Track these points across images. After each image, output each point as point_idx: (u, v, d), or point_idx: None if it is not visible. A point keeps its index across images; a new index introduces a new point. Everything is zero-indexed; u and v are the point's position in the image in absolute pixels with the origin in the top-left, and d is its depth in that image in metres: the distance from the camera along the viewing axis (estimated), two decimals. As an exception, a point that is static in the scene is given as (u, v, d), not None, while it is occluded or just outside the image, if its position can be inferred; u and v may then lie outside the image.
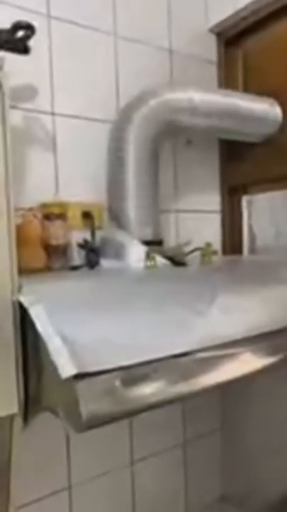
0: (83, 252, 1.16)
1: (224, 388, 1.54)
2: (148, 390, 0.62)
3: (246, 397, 1.48)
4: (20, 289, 0.74)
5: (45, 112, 1.17)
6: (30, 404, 0.76)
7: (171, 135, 1.29)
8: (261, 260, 1.38)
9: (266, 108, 1.34)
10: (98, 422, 0.58)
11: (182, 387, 0.66)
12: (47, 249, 1.09)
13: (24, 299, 0.69)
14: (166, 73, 1.41)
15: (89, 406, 0.58)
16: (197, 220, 1.50)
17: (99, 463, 1.27)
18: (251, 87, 1.45)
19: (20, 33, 0.94)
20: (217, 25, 1.49)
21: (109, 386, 0.60)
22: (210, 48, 1.53)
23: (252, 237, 1.50)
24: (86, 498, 1.25)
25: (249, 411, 1.48)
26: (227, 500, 1.58)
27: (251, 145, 1.42)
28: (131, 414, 0.61)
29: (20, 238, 1.06)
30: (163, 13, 1.40)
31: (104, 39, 1.27)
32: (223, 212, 1.56)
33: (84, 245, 1.16)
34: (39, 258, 1.07)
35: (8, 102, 0.75)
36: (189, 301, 0.78)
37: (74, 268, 1.11)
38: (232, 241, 1.55)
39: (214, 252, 1.51)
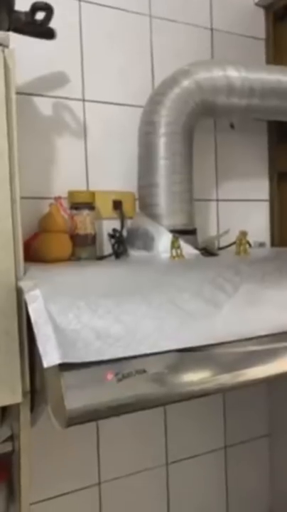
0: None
1: (273, 391, 1.43)
2: (143, 385, 0.56)
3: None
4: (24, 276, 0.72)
5: (75, 99, 1.14)
6: (37, 395, 0.73)
7: (208, 117, 1.20)
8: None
9: None
10: (83, 417, 0.53)
11: (181, 384, 0.59)
12: (75, 239, 1.07)
13: (23, 285, 0.66)
14: (207, 54, 1.33)
15: (74, 399, 0.53)
16: (242, 210, 1.39)
17: (130, 462, 1.23)
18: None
19: (41, 15, 0.91)
20: (265, -3, 1.38)
21: (98, 379, 0.55)
22: (257, 24, 1.41)
23: (304, 228, 1.37)
24: (116, 496, 1.21)
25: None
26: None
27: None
28: (123, 410, 0.55)
29: (47, 228, 1.06)
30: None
31: (137, 20, 1.22)
32: (272, 200, 1.44)
33: (113, 235, 1.12)
34: (65, 248, 1.05)
35: (14, 82, 0.73)
36: (205, 292, 0.70)
37: (101, 258, 1.07)
38: (282, 232, 1.42)
39: (262, 244, 1.42)
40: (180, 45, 1.28)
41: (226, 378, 0.64)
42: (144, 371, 0.56)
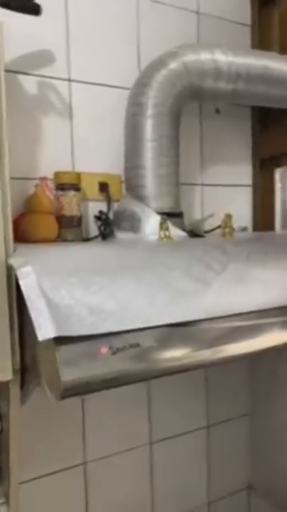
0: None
1: (254, 371, 1.46)
2: (136, 359, 0.57)
3: (277, 380, 1.40)
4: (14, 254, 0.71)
5: (61, 79, 1.13)
6: (28, 373, 0.73)
7: (194, 101, 1.21)
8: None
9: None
10: (78, 389, 0.54)
11: (173, 359, 0.60)
12: (61, 220, 1.06)
13: (14, 262, 0.66)
14: (193, 37, 1.33)
15: (69, 372, 0.53)
16: (226, 195, 1.41)
17: (114, 441, 1.25)
18: (288, 50, 1.33)
19: (27, -9, 0.89)
20: (251, -18, 1.38)
21: (93, 352, 0.56)
22: (243, 9, 1.42)
23: (285, 213, 1.39)
24: (101, 475, 1.23)
25: (281, 395, 1.39)
26: (255, 489, 1.51)
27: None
28: (115, 384, 0.56)
29: (32, 208, 1.05)
30: (189, -29, 1.31)
31: (124, 0, 1.20)
32: (254, 186, 1.46)
33: (99, 217, 1.11)
34: (51, 229, 1.04)
35: (2, 56, 0.71)
36: (193, 270, 0.72)
37: (87, 240, 1.07)
38: (264, 217, 1.45)
39: (244, 229, 1.44)
40: (166, 27, 1.27)
41: (210, 352, 0.66)
42: (138, 345, 0.57)
